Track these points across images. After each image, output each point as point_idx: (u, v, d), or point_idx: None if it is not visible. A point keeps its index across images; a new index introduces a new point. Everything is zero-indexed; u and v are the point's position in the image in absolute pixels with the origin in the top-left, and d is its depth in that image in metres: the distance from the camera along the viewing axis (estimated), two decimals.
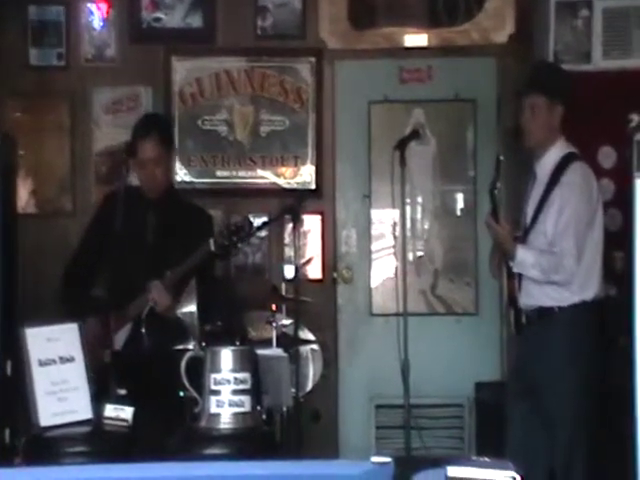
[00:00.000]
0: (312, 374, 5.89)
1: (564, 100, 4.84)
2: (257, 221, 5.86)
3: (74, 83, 6.47)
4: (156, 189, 4.90)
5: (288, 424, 4.98)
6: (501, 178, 4.75)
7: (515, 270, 4.77)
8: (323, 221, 6.48)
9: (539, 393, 4.79)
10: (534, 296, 4.78)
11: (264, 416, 4.26)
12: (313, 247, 6.44)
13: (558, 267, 4.68)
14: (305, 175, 6.51)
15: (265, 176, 6.51)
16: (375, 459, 2.70)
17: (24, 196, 6.23)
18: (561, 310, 4.75)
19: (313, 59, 6.52)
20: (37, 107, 6.46)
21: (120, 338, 4.69)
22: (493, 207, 4.77)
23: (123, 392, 4.17)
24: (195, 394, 4.07)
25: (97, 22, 6.49)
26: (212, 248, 4.56)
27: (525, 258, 4.70)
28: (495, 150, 6.36)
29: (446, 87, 6.49)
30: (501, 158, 4.82)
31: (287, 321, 5.49)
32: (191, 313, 4.32)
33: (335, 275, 6.49)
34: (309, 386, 5.85)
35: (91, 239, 4.95)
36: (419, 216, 6.54)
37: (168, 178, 5.06)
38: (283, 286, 5.69)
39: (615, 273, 5.38)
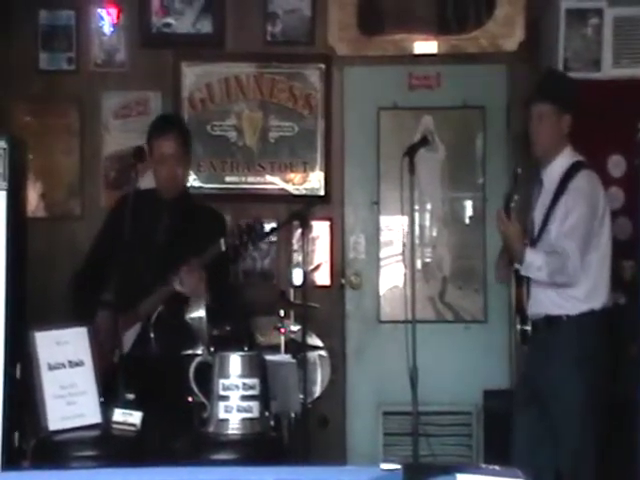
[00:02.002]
0: (320, 380, 5.89)
1: (572, 109, 4.83)
2: (266, 227, 5.88)
3: (84, 88, 6.48)
4: (174, 188, 4.88)
5: (296, 430, 4.98)
6: (519, 191, 4.73)
7: (522, 273, 4.75)
8: (332, 227, 6.49)
9: (546, 401, 4.78)
10: (543, 304, 4.77)
11: (272, 422, 4.25)
12: (321, 253, 6.45)
13: (562, 269, 4.67)
14: (314, 181, 6.51)
15: (274, 182, 6.52)
16: (384, 465, 2.68)
17: (33, 200, 6.23)
18: (569, 319, 4.74)
19: (322, 65, 6.52)
20: (47, 111, 6.47)
21: (129, 339, 4.68)
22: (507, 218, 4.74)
23: (132, 397, 4.18)
24: (203, 399, 4.06)
25: (107, 27, 6.50)
26: (223, 248, 4.55)
27: (533, 260, 4.68)
28: (504, 158, 6.40)
29: (455, 94, 6.49)
30: (519, 171, 4.79)
31: (295, 327, 5.49)
32: (200, 318, 4.32)
33: (343, 281, 6.49)
34: (317, 392, 5.84)
35: (103, 242, 4.94)
36: (428, 223, 6.54)
37: (186, 178, 5.05)
38: (291, 292, 5.69)
39: (624, 282, 5.38)
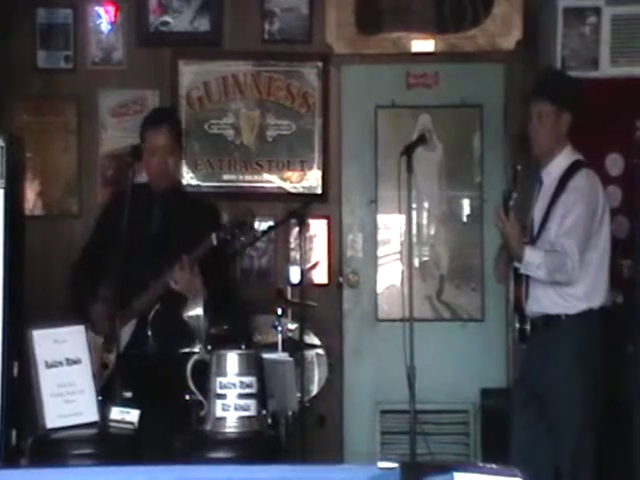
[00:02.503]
0: (317, 379, 5.89)
1: (571, 108, 4.84)
2: (263, 225, 5.88)
3: (81, 86, 6.48)
4: (165, 179, 4.88)
5: (293, 428, 4.98)
6: (518, 189, 4.73)
7: (521, 271, 4.75)
8: (329, 226, 6.48)
9: (545, 400, 4.78)
10: (541, 303, 4.77)
11: (269, 420, 4.25)
12: (319, 252, 6.44)
13: (561, 267, 4.67)
14: (311, 180, 6.51)
15: (271, 180, 6.51)
16: (381, 464, 2.68)
17: (31, 198, 6.24)
18: (568, 317, 4.74)
19: (320, 64, 6.52)
20: (44, 109, 6.47)
21: (124, 335, 4.68)
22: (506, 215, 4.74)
23: (129, 395, 4.18)
24: (201, 397, 4.06)
25: (105, 25, 6.49)
26: (214, 242, 4.55)
27: (532, 259, 4.69)
28: (502, 156, 6.40)
29: (453, 93, 6.48)
30: (518, 168, 4.79)
31: (292, 325, 5.49)
32: (197, 316, 4.32)
33: (341, 280, 6.48)
34: (314, 390, 5.85)
35: (98, 236, 4.97)
36: (425, 222, 6.53)
37: (177, 171, 5.06)
38: (289, 290, 5.69)
39: (622, 280, 5.38)
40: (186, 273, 4.57)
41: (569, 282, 4.69)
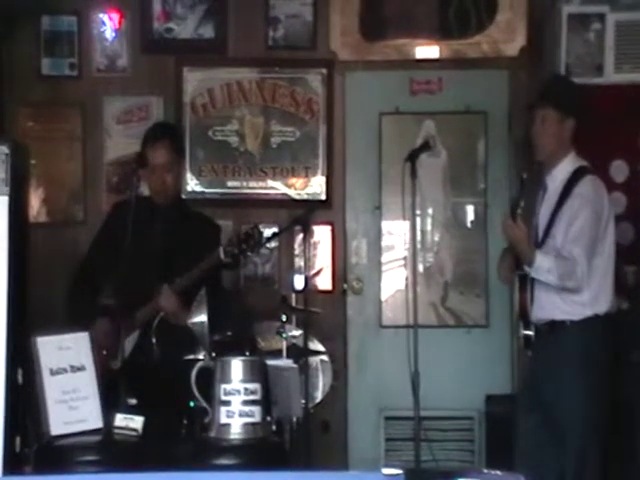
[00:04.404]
0: (321, 385, 5.88)
1: (575, 114, 4.84)
2: (267, 232, 5.88)
3: (86, 93, 6.49)
4: (165, 196, 4.91)
5: (297, 435, 4.98)
6: (525, 197, 4.72)
7: (532, 275, 4.74)
8: (333, 232, 6.49)
9: (550, 407, 4.78)
10: (546, 309, 4.77)
11: (274, 427, 4.25)
12: (323, 258, 6.44)
13: (571, 274, 4.67)
14: (315, 186, 6.51)
15: (275, 187, 6.52)
16: (386, 471, 2.69)
17: (36, 205, 6.26)
18: (573, 324, 4.74)
19: (324, 70, 6.52)
20: (49, 117, 6.48)
21: (127, 346, 4.69)
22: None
23: (133, 402, 4.18)
24: (205, 404, 4.07)
25: (109, 32, 6.51)
26: (222, 256, 4.56)
27: (543, 263, 4.68)
28: (506, 163, 6.40)
29: (457, 99, 6.49)
30: (524, 176, 4.80)
31: (297, 332, 5.49)
32: (202, 323, 4.32)
33: (345, 286, 6.49)
34: (318, 397, 5.84)
35: (100, 247, 4.98)
36: (429, 228, 6.54)
37: (177, 186, 5.07)
38: (293, 297, 5.69)
39: (627, 287, 5.38)
40: (171, 298, 4.60)
41: (578, 289, 4.69)
